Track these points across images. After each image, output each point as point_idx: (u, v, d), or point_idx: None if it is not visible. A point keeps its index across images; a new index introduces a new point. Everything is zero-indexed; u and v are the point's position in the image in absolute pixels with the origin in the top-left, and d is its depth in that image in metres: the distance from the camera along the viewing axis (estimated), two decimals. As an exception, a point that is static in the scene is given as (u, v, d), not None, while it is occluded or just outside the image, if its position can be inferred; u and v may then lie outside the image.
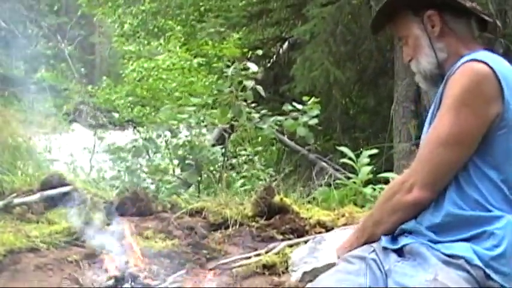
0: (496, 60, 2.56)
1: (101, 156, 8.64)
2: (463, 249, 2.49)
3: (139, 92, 13.24)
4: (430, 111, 2.72)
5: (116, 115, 12.14)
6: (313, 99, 6.64)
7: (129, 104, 13.40)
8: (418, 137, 9.18)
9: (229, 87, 6.47)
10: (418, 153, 2.67)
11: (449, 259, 2.48)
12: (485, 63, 2.51)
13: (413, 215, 2.65)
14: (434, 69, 2.73)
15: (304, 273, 3.47)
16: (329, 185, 6.24)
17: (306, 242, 4.12)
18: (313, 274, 3.17)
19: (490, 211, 2.52)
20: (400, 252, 2.67)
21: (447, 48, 2.71)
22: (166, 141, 7.31)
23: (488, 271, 2.46)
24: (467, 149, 2.54)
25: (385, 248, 2.71)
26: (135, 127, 10.13)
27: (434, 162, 2.57)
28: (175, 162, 7.11)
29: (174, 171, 7.15)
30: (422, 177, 2.58)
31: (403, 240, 2.66)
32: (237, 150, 8.32)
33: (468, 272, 2.45)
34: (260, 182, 6.84)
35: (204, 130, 7.04)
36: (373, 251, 2.72)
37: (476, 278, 2.45)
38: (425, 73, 2.76)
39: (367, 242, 2.78)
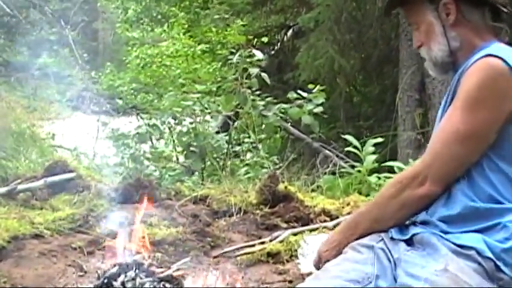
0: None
1: (105, 143, 8.62)
2: (474, 240, 2.47)
3: (143, 78, 13.23)
4: (443, 103, 2.70)
5: (120, 102, 12.10)
6: (318, 87, 6.62)
7: (132, 91, 13.38)
8: (422, 126, 9.21)
9: (234, 74, 6.45)
10: (429, 147, 2.64)
11: (460, 250, 2.46)
12: (502, 58, 2.48)
13: (422, 209, 2.63)
14: (446, 57, 2.70)
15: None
16: (333, 174, 6.22)
17: (310, 230, 4.12)
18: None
19: (502, 203, 2.50)
20: (409, 241, 2.65)
21: (460, 38, 2.67)
22: (170, 128, 7.30)
23: (499, 263, 2.43)
24: (480, 145, 2.52)
25: (393, 238, 2.69)
26: (138, 114, 10.10)
27: (447, 158, 2.54)
28: (179, 149, 7.11)
29: (177, 158, 7.14)
30: (435, 171, 2.55)
31: (413, 230, 2.63)
32: (240, 137, 8.30)
33: (479, 263, 2.43)
34: (264, 170, 6.84)
35: (208, 117, 7.03)
36: (382, 239, 2.69)
37: (487, 270, 2.43)
38: (436, 60, 2.73)
39: (358, 239, 2.73)
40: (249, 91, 6.53)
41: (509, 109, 2.48)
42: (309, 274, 3.23)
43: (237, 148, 7.89)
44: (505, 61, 2.47)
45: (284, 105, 6.60)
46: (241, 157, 7.65)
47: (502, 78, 2.47)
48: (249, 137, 7.84)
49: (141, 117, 8.49)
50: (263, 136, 8.80)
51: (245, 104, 6.40)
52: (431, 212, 2.61)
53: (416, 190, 2.58)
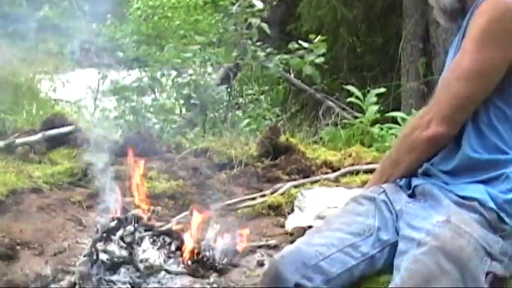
0: None
1: (106, 96, 8.54)
2: (477, 191, 2.44)
3: (145, 30, 13.11)
4: (454, 45, 2.64)
5: (121, 54, 11.98)
6: (319, 37, 6.54)
7: (133, 44, 13.25)
8: (426, 76, 9.12)
9: (234, 25, 6.37)
10: (437, 88, 2.60)
11: (462, 201, 2.44)
12: None
13: (431, 152, 2.59)
14: (455, 3, 2.63)
15: (295, 228, 3.47)
16: (336, 125, 6.18)
17: (311, 182, 4.07)
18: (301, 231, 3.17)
19: (508, 154, 2.47)
20: (411, 193, 2.63)
21: None
22: (172, 80, 7.23)
23: (501, 214, 2.42)
24: (488, 83, 2.47)
25: (397, 187, 2.66)
26: (140, 66, 10.01)
27: (452, 96, 2.50)
28: (182, 102, 7.05)
29: (181, 111, 7.09)
30: (440, 111, 2.51)
31: (415, 181, 2.61)
32: (243, 89, 8.23)
33: (481, 214, 2.41)
34: (266, 122, 6.79)
35: (209, 69, 6.97)
36: (383, 191, 2.69)
37: (490, 221, 2.41)
38: (445, 7, 2.66)
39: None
40: (250, 42, 6.45)
41: None
42: (292, 232, 3.27)
43: (240, 100, 7.84)
44: None
45: (285, 56, 6.54)
46: (243, 109, 7.60)
47: (511, 18, 2.42)
48: (252, 89, 7.78)
49: (144, 70, 8.42)
50: (266, 88, 8.76)
51: (245, 55, 6.33)
52: (435, 163, 2.58)
53: (423, 132, 2.56)
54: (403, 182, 2.68)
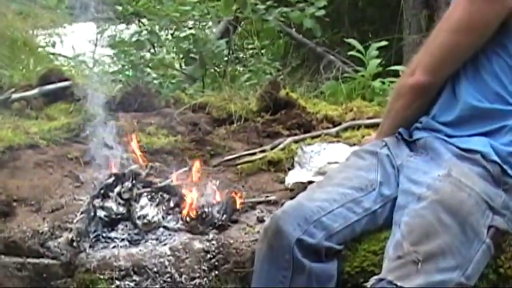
0: None
1: (104, 51, 8.46)
2: (480, 143, 2.43)
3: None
4: None
5: (119, 8, 11.85)
6: (320, -11, 6.47)
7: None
8: (428, 29, 9.00)
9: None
10: (429, 37, 2.61)
11: (464, 153, 2.43)
12: None
13: (417, 100, 2.62)
14: None
15: (295, 183, 3.45)
16: (337, 79, 6.11)
17: (312, 137, 4.03)
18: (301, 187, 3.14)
19: (510, 104, 2.43)
20: (412, 146, 2.61)
21: None
22: (172, 35, 7.15)
23: (505, 167, 2.41)
24: (476, 37, 2.45)
25: (398, 141, 2.64)
26: (139, 20, 9.92)
27: (438, 47, 2.53)
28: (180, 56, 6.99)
29: (181, 65, 7.02)
30: (425, 60, 2.56)
31: (416, 135, 2.60)
32: (244, 43, 8.15)
33: (484, 167, 2.40)
34: (267, 76, 6.73)
35: (209, 23, 6.88)
36: (385, 145, 2.68)
37: (492, 174, 2.40)
38: None
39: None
40: (250, -6, 6.37)
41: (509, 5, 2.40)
42: (292, 187, 3.25)
43: (241, 55, 7.76)
44: None
45: (285, 9, 6.46)
46: (244, 63, 7.53)
47: None
48: (253, 43, 7.70)
49: (143, 24, 8.32)
50: (267, 42, 8.67)
51: (244, 8, 6.24)
52: (435, 115, 2.56)
53: (408, 79, 2.62)
54: (403, 134, 2.67)
